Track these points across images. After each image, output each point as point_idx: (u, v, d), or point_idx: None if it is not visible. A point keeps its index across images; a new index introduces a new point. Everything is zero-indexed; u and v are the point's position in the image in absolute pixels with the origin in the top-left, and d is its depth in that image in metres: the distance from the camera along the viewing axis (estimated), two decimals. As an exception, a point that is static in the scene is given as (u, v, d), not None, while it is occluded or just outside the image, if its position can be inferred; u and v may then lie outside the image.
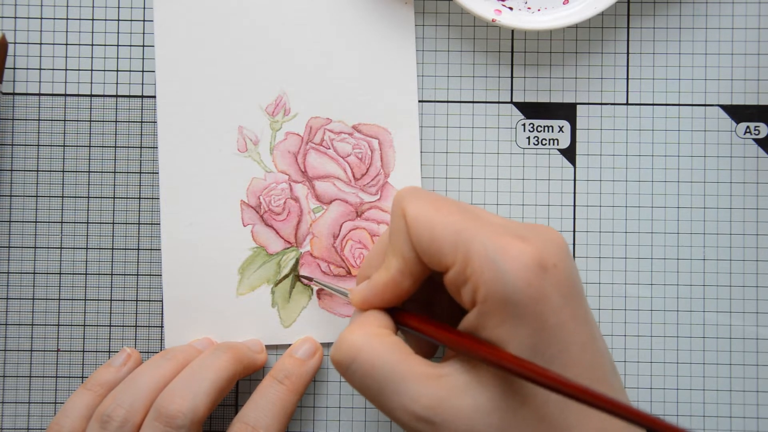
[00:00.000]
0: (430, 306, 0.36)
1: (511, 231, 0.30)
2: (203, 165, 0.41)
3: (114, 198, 0.42)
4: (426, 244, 0.31)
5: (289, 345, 0.41)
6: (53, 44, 0.42)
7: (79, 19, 0.42)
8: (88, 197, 0.42)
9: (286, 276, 0.41)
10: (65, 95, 0.42)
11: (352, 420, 0.41)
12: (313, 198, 0.41)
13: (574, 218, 0.42)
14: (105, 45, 0.42)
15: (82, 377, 0.41)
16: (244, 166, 0.41)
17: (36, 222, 0.42)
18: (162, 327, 0.41)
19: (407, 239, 0.32)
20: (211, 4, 0.41)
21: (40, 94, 0.42)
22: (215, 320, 0.41)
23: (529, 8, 0.40)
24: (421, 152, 0.42)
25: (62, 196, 0.42)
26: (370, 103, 0.41)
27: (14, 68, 0.42)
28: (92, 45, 0.42)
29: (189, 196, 0.41)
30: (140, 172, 0.42)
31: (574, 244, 0.42)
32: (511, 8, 0.40)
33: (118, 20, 0.42)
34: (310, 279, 0.41)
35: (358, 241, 0.41)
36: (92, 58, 0.42)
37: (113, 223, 0.42)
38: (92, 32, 0.42)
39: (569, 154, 0.42)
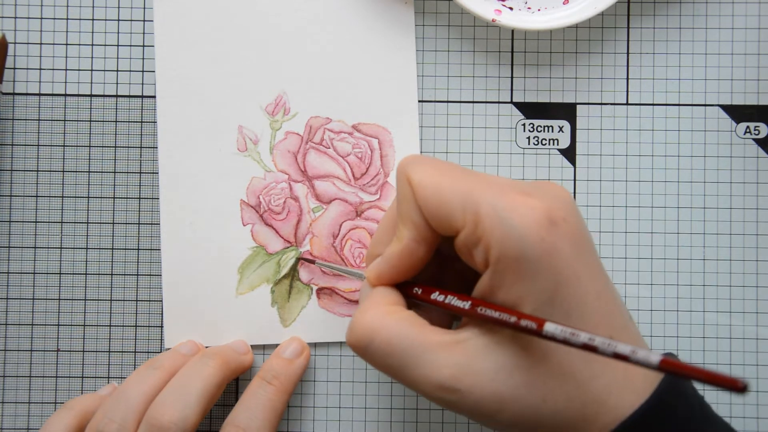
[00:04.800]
0: (438, 285, 0.36)
1: (518, 189, 0.30)
2: (203, 164, 0.41)
3: (114, 198, 0.42)
4: (434, 208, 0.31)
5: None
6: (53, 44, 0.42)
7: (79, 19, 0.42)
8: (88, 197, 0.42)
9: (286, 276, 0.41)
10: (65, 95, 0.42)
11: (352, 420, 0.41)
12: (312, 197, 0.41)
13: (574, 218, 0.42)
14: (105, 45, 0.42)
15: (82, 377, 0.41)
16: (244, 165, 0.41)
17: (36, 222, 0.42)
18: (162, 327, 0.42)
19: (415, 206, 0.31)
20: (211, 4, 0.41)
21: (40, 94, 0.42)
22: (215, 320, 0.41)
23: (529, 8, 0.40)
24: (421, 152, 0.42)
25: (62, 196, 0.42)
26: (370, 103, 0.41)
27: (14, 68, 0.42)
28: (92, 45, 0.42)
29: (189, 195, 0.41)
30: (140, 172, 0.42)
31: (574, 244, 0.42)
32: (511, 8, 0.40)
33: (118, 20, 0.42)
34: (312, 261, 0.40)
35: (357, 241, 0.41)
36: (92, 58, 0.42)
37: (113, 223, 0.42)
38: (92, 32, 0.42)
39: (569, 154, 0.42)
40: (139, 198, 0.42)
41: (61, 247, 0.42)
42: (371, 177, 0.41)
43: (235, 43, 0.41)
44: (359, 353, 0.32)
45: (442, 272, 0.36)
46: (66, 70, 0.42)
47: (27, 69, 0.42)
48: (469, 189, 0.30)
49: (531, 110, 0.42)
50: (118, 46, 0.42)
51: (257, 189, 0.41)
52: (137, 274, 0.42)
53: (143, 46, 0.42)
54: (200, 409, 0.36)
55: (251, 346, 0.41)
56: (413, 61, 0.41)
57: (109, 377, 0.41)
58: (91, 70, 0.42)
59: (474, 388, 0.29)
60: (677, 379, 0.30)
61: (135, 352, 0.42)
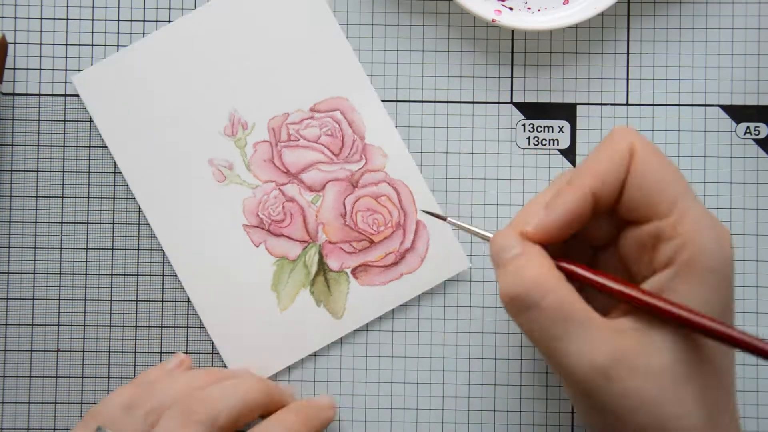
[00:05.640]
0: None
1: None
2: (192, 209, 0.41)
3: (114, 198, 0.42)
4: (649, 183, 0.30)
5: (347, 334, 0.41)
6: (53, 44, 0.42)
7: (79, 19, 0.42)
8: (88, 197, 0.42)
9: (318, 272, 0.41)
10: (65, 95, 0.42)
11: (352, 420, 0.41)
12: (306, 191, 0.41)
13: (574, 218, 0.42)
14: (105, 45, 0.42)
15: (82, 377, 0.41)
16: (231, 192, 0.41)
17: (36, 222, 0.42)
18: (161, 327, 0.42)
19: (622, 169, 0.30)
20: (130, 66, 0.41)
21: (40, 94, 0.42)
22: (269, 342, 0.41)
23: (529, 8, 0.40)
24: (421, 152, 0.42)
25: (62, 196, 0.42)
26: (316, 81, 0.41)
27: (14, 68, 0.42)
28: (92, 45, 0.42)
29: (191, 242, 0.41)
30: (140, 172, 0.42)
31: (574, 244, 0.42)
32: (511, 8, 0.40)
33: (118, 20, 0.42)
34: (444, 218, 0.37)
35: (366, 210, 0.41)
36: (92, 58, 0.42)
37: (113, 223, 0.42)
38: (92, 32, 0.42)
39: (569, 154, 0.42)
40: (139, 198, 0.42)
41: (61, 247, 0.42)
42: (349, 147, 0.41)
43: (170, 88, 0.41)
44: (522, 307, 0.30)
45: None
46: (66, 70, 0.42)
47: (27, 69, 0.42)
48: (686, 187, 0.31)
49: (531, 110, 0.42)
50: (118, 46, 0.42)
51: (253, 208, 0.41)
52: (137, 274, 0.42)
53: (143, 46, 0.42)
54: (235, 414, 0.36)
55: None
56: (336, 25, 0.41)
57: (109, 377, 0.41)
58: (91, 70, 0.42)
59: (623, 379, 0.29)
60: None
61: (135, 352, 0.42)
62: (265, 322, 0.41)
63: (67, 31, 0.42)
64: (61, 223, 0.42)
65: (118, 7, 0.42)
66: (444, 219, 0.36)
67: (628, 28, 0.42)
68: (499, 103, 0.42)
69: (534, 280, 0.30)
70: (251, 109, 0.41)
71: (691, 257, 0.29)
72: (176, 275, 0.41)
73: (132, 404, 0.36)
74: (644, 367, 0.29)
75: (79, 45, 0.42)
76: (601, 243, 0.34)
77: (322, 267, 0.41)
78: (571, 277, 0.31)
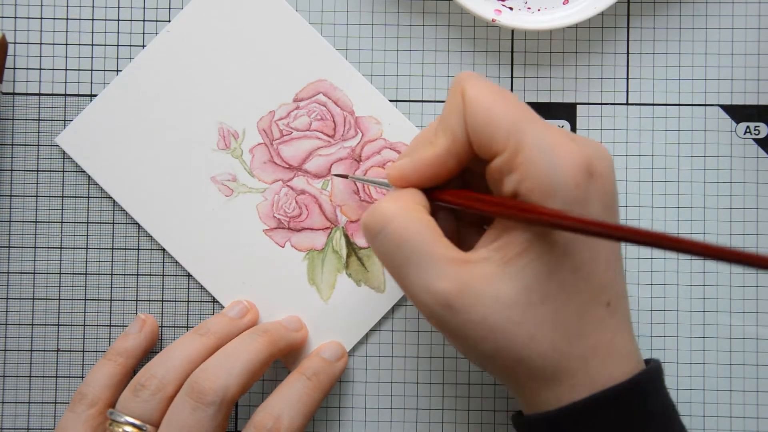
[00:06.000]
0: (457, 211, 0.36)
1: (565, 133, 0.31)
2: (209, 231, 0.41)
3: (114, 198, 0.42)
4: (480, 125, 0.31)
5: (396, 303, 0.41)
6: (53, 44, 0.42)
7: (79, 19, 0.42)
8: (88, 197, 0.42)
9: (349, 254, 0.41)
10: (65, 95, 0.42)
11: (352, 420, 0.41)
12: (313, 179, 0.41)
13: (574, 218, 0.42)
14: (105, 45, 0.42)
15: (82, 377, 0.41)
16: (242, 202, 0.41)
17: (36, 222, 0.42)
18: (161, 327, 0.42)
19: (461, 119, 0.31)
20: (110, 113, 0.41)
21: (40, 94, 0.42)
22: (323, 334, 0.41)
23: (529, 8, 0.40)
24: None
25: (62, 196, 0.42)
26: (291, 72, 0.41)
27: (14, 68, 0.42)
28: (92, 45, 0.42)
29: (218, 263, 0.41)
30: (140, 172, 0.42)
31: (574, 244, 0.42)
32: (511, 8, 0.40)
33: (118, 20, 0.42)
34: (345, 176, 0.41)
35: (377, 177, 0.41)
36: (92, 58, 0.42)
37: (113, 223, 0.42)
38: (92, 32, 0.42)
39: (569, 154, 0.42)
40: (139, 198, 0.42)
41: (61, 247, 0.42)
42: (342, 125, 0.41)
43: (152, 122, 0.41)
44: (370, 236, 0.32)
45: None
46: (66, 70, 0.42)
47: (27, 69, 0.42)
48: (518, 117, 0.30)
49: (531, 110, 0.42)
50: (118, 46, 0.42)
51: (267, 211, 0.41)
52: (137, 274, 0.42)
53: (143, 46, 0.42)
54: (242, 381, 0.36)
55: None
56: (293, 11, 0.41)
57: (109, 377, 0.41)
58: (91, 70, 0.42)
59: (467, 308, 0.29)
60: (656, 375, 0.31)
61: (135, 352, 0.42)
62: (313, 317, 0.41)
63: (67, 31, 0.42)
64: (61, 222, 0.42)
65: (118, 7, 0.42)
66: (345, 177, 0.40)
67: (628, 28, 0.42)
68: (499, 103, 0.42)
69: (381, 211, 0.31)
70: (237, 118, 0.41)
71: (531, 187, 0.29)
72: (177, 275, 0.42)
73: (135, 386, 0.37)
74: (490, 297, 0.29)
75: (79, 45, 0.42)
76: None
77: (352, 247, 0.41)
78: (457, 205, 0.32)
